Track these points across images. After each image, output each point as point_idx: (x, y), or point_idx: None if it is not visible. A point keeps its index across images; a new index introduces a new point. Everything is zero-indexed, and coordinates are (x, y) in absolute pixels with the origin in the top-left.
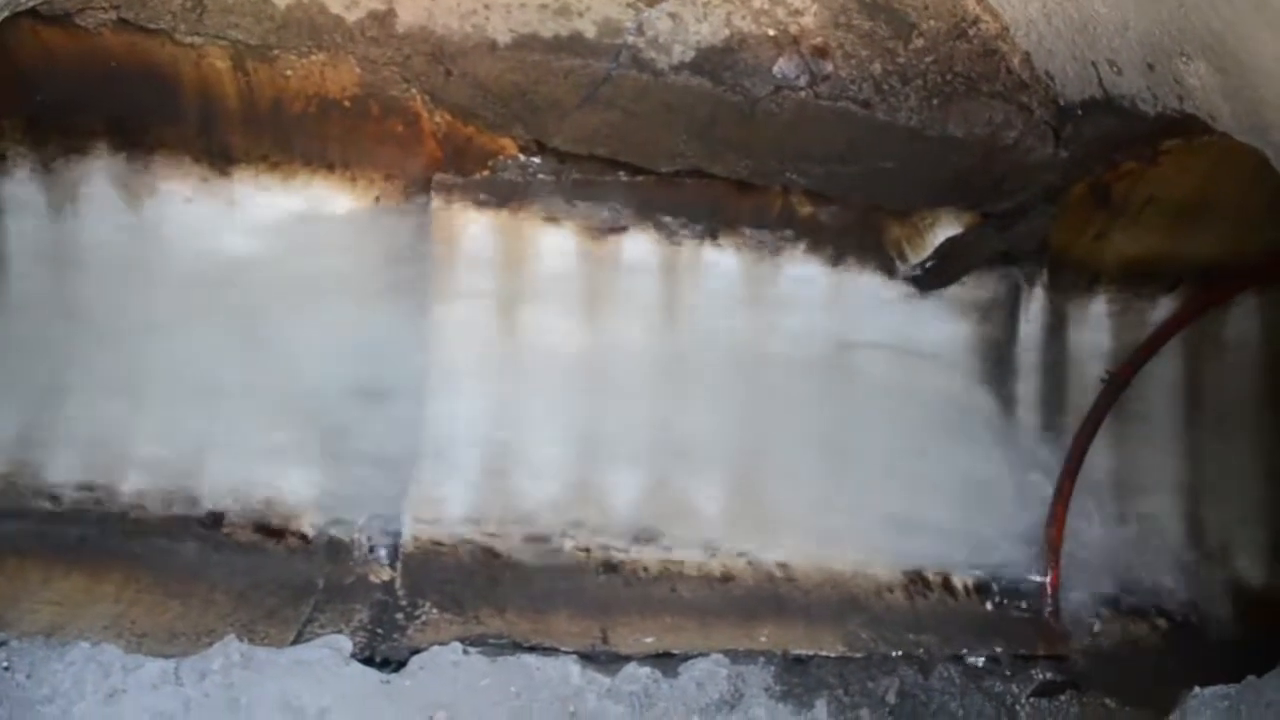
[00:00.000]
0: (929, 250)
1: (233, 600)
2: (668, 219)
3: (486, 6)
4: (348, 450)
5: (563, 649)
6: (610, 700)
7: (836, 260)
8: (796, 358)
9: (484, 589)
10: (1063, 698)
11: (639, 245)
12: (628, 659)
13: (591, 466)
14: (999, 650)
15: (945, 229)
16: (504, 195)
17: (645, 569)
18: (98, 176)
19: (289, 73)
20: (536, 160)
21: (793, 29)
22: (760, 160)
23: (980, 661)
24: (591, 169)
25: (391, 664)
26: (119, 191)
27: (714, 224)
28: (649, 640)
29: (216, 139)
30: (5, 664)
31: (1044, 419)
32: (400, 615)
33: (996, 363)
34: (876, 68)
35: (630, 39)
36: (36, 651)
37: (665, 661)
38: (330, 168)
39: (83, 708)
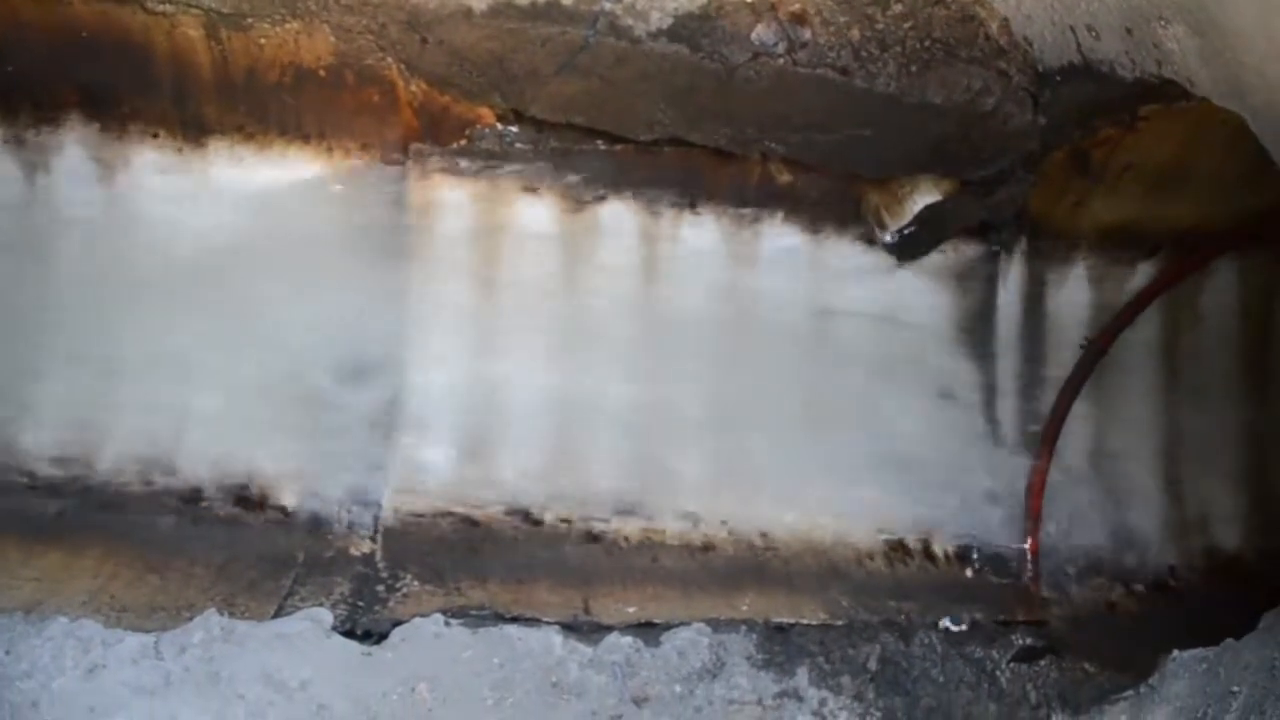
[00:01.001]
0: (908, 218)
1: (212, 574)
2: (646, 187)
3: None
4: (327, 423)
5: (545, 619)
6: (593, 670)
7: (815, 228)
8: (776, 326)
9: (465, 560)
10: (1042, 663)
11: (618, 214)
12: (610, 629)
13: (572, 436)
14: (979, 616)
15: (924, 197)
16: (481, 164)
17: (626, 539)
18: (71, 148)
19: (263, 41)
20: (514, 129)
21: None
22: (739, 128)
23: (961, 628)
24: (569, 138)
25: (373, 636)
26: (93, 163)
27: (693, 192)
28: (631, 610)
29: (191, 109)
30: None
31: (1023, 386)
32: (381, 587)
33: (976, 330)
34: (855, 34)
35: (608, 5)
36: (15, 627)
37: (647, 631)
38: (306, 138)
39: (62, 683)
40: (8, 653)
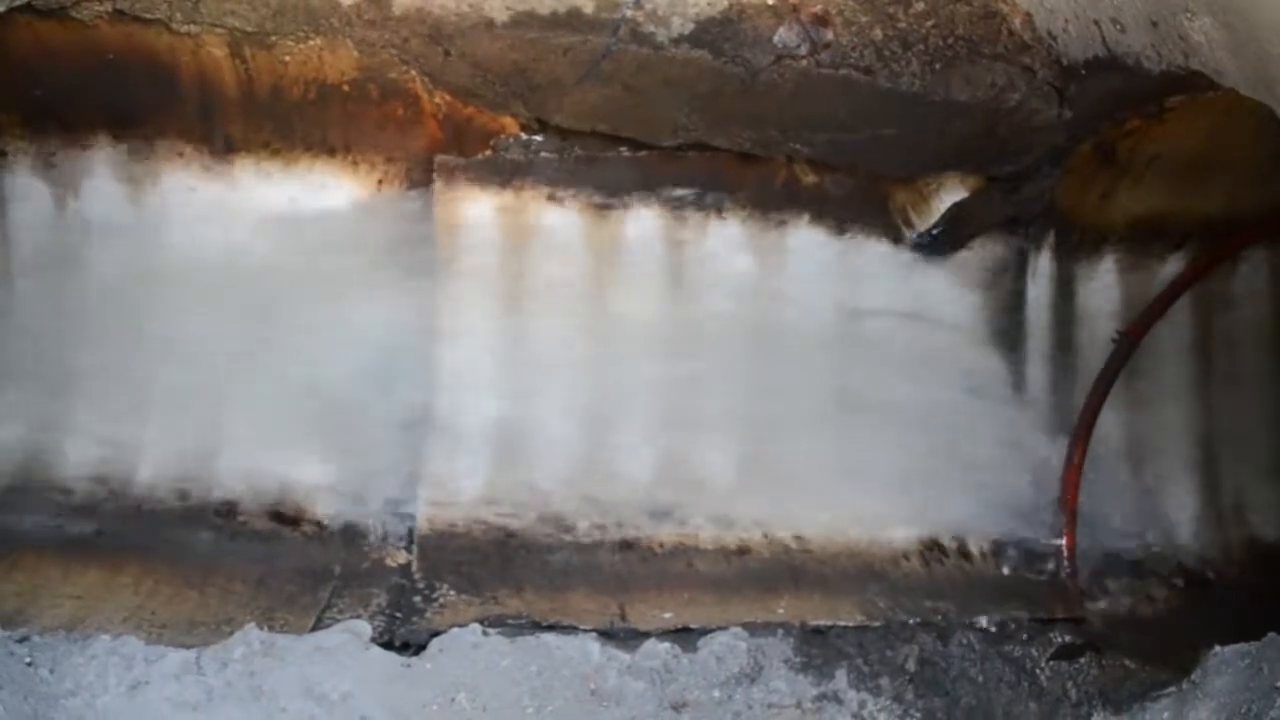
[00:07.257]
0: (935, 216)
1: (251, 588)
2: (671, 193)
3: None
4: (359, 435)
5: (582, 627)
6: (631, 677)
7: (842, 229)
8: (805, 327)
9: (500, 569)
10: (1082, 660)
11: (643, 220)
12: (647, 635)
13: (603, 443)
14: (1017, 615)
15: (950, 194)
16: (506, 174)
17: (661, 545)
18: (100, 168)
19: (287, 58)
20: (538, 138)
21: None
22: (763, 131)
23: (999, 626)
24: (594, 145)
25: (411, 647)
26: (121, 183)
27: (718, 196)
28: (667, 616)
29: (217, 127)
30: (28, 659)
31: (1055, 381)
32: (418, 598)
33: (1006, 326)
34: (877, 34)
35: (629, 13)
36: (59, 645)
37: (684, 636)
38: (331, 153)
39: (106, 700)
40: (52, 671)
